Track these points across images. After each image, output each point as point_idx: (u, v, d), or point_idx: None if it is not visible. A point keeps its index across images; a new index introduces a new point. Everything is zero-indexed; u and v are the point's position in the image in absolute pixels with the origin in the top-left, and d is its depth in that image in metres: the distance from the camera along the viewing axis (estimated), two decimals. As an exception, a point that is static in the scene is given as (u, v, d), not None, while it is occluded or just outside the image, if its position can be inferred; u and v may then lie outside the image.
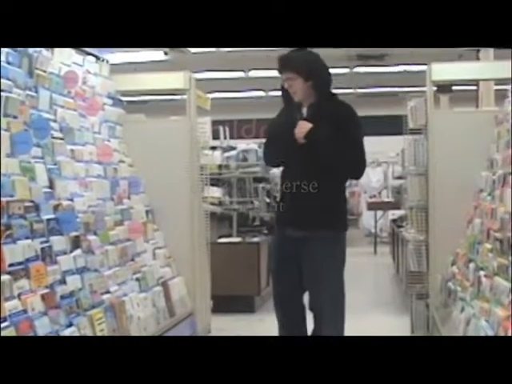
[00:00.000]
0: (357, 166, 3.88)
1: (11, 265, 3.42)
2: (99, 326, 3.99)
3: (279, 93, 4.03)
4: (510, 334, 3.01)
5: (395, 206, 12.47)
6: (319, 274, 3.85)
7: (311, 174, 3.82)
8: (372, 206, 15.05)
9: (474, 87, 10.70)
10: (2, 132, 3.76)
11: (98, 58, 5.51)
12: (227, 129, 10.09)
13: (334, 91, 4.00)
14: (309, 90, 3.87)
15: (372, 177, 17.09)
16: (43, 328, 3.44)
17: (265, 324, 6.68)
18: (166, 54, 10.81)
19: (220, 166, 8.41)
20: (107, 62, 5.67)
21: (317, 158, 3.79)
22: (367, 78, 14.38)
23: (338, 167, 3.84)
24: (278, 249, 4.02)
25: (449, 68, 6.10)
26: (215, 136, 7.86)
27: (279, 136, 3.91)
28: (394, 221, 11.25)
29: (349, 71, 13.19)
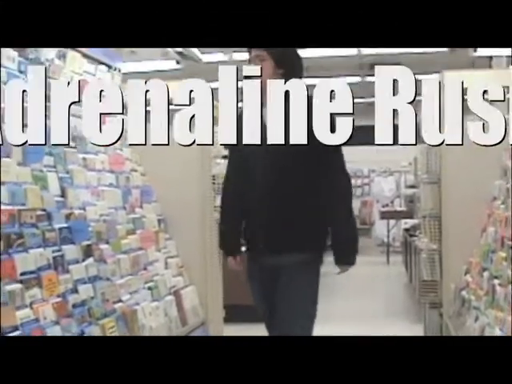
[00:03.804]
0: None
1: (23, 273, 3.42)
2: (111, 334, 3.98)
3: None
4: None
5: (408, 215, 12.41)
6: None
7: None
8: (384, 215, 15.01)
9: (486, 95, 10.66)
10: (15, 141, 3.76)
11: (110, 67, 5.52)
12: (239, 138, 10.07)
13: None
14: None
15: (384, 186, 17.07)
16: (55, 337, 3.43)
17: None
18: (178, 62, 10.78)
19: (232, 175, 8.39)
20: (119, 70, 5.68)
21: None
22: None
23: None
24: None
25: (461, 76, 6.07)
26: (227, 145, 7.85)
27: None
28: (406, 230, 11.21)
29: (360, 80, 13.19)
